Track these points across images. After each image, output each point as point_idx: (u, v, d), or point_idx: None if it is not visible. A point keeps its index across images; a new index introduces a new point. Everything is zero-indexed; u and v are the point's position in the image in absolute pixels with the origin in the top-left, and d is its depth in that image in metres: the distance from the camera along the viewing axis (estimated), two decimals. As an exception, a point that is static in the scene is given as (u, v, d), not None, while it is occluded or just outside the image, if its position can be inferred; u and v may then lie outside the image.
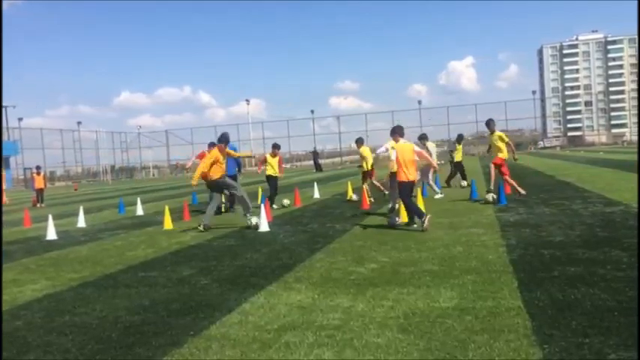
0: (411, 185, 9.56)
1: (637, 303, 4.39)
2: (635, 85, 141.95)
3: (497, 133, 13.21)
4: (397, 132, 9.92)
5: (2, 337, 4.51)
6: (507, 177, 13.13)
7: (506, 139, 13.15)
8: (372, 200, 14.11)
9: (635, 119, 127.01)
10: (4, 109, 64.17)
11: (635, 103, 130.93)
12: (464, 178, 18.21)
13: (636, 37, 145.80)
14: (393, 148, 10.09)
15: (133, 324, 4.73)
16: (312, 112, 78.58)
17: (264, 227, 10.17)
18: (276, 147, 14.83)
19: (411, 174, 9.48)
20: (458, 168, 18.65)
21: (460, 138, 19.29)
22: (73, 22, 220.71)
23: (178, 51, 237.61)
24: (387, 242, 8.14)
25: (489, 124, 13.42)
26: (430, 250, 7.32)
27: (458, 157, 18.66)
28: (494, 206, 11.64)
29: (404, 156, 9.50)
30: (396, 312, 4.59)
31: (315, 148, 54.02)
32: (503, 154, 13.12)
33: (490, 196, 12.46)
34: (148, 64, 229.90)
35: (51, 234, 11.24)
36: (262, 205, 10.99)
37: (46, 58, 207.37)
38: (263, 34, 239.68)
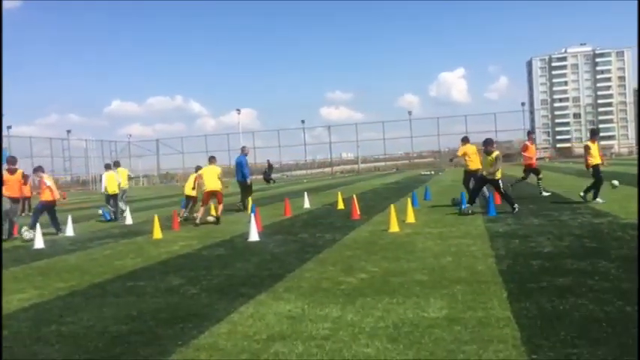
0: (50, 206, 13.24)
1: (636, 310, 4.42)
2: (622, 98, 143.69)
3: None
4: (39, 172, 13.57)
5: (2, 347, 4.46)
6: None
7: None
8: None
9: (623, 131, 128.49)
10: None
11: (623, 115, 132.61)
12: (597, 190, 13.82)
13: (624, 49, 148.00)
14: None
15: (120, 334, 4.69)
16: (303, 122, 78.68)
17: (253, 237, 10.13)
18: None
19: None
20: (597, 174, 13.85)
21: (595, 132, 14.71)
22: (64, 30, 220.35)
23: (170, 60, 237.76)
24: (376, 252, 8.14)
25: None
26: (420, 260, 7.33)
27: (596, 159, 13.96)
28: (484, 216, 11.69)
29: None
30: (385, 322, 4.59)
31: (268, 160, 52.56)
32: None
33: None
34: (139, 72, 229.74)
35: (39, 243, 11.14)
36: (252, 215, 10.95)
37: (36, 66, 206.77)
38: (255, 43, 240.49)
